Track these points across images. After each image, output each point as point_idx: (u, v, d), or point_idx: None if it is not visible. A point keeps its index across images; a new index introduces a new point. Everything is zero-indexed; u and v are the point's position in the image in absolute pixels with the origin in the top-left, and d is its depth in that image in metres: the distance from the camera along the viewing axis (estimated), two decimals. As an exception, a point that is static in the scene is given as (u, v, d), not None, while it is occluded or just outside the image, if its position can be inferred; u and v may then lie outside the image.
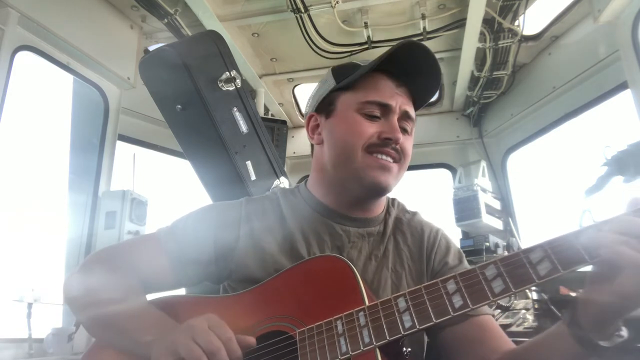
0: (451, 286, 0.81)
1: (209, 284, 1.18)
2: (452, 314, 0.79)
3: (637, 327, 1.44)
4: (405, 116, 1.11)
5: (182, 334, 0.85)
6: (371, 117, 1.09)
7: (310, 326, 0.89)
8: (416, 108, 1.16)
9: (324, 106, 1.17)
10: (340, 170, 1.11)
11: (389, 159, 1.07)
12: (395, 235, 1.17)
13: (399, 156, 1.09)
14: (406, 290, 0.86)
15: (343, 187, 1.11)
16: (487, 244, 2.78)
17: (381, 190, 1.09)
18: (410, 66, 1.09)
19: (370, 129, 1.07)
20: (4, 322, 2.16)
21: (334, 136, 1.12)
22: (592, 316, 0.77)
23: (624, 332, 0.78)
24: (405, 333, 0.81)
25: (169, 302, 1.08)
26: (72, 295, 1.08)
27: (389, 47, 1.06)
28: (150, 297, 1.11)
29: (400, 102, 1.10)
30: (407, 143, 1.11)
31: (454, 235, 3.28)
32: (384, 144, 1.06)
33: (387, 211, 1.20)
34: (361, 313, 0.86)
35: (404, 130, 1.11)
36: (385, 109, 1.09)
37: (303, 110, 3.23)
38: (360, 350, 0.82)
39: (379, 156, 1.07)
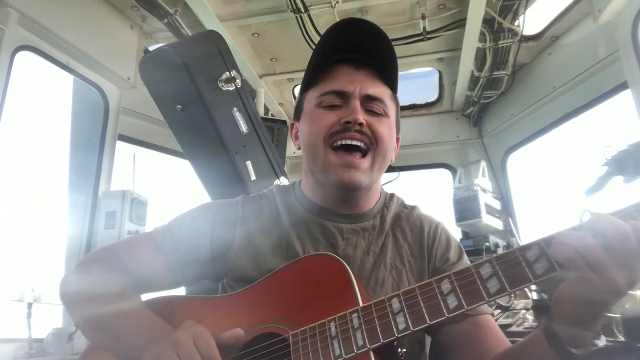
0: (446, 286, 0.79)
1: (208, 282, 1.18)
2: (446, 315, 0.77)
3: (637, 327, 1.44)
4: (369, 99, 1.06)
5: (168, 347, 0.85)
6: (332, 107, 1.06)
7: (303, 328, 0.88)
8: (393, 86, 1.12)
9: (297, 111, 1.18)
10: (314, 170, 1.10)
11: (354, 142, 1.02)
12: (394, 231, 1.15)
13: (367, 139, 1.03)
14: (407, 287, 0.85)
15: (322, 186, 1.10)
16: (487, 244, 2.78)
17: (351, 188, 1.05)
18: (357, 43, 1.06)
19: (330, 118, 1.04)
20: (4, 322, 2.16)
21: (303, 136, 1.13)
22: (563, 322, 0.76)
23: (601, 341, 0.76)
24: (399, 335, 0.79)
25: (164, 302, 1.08)
26: (67, 295, 1.07)
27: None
28: (146, 296, 1.11)
29: (359, 86, 1.05)
30: (379, 125, 1.05)
31: (453, 235, 3.28)
32: (345, 129, 1.02)
33: (385, 206, 1.18)
34: (354, 314, 0.84)
35: (372, 113, 1.06)
36: (344, 96, 1.06)
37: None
38: (354, 354, 0.81)
39: (342, 142, 1.02)
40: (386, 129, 1.07)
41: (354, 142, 1.03)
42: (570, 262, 0.69)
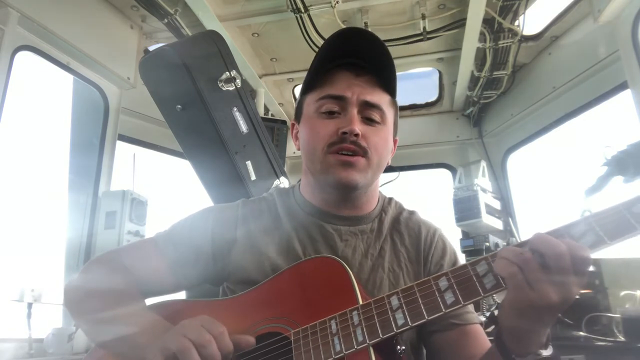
0: (443, 283, 0.82)
1: (209, 286, 1.19)
2: (443, 310, 0.79)
3: (637, 327, 1.45)
4: (367, 105, 1.07)
5: (175, 331, 0.86)
6: (330, 114, 1.07)
7: (304, 326, 0.90)
8: (392, 92, 1.13)
9: (298, 113, 1.20)
10: (313, 173, 1.11)
11: (348, 154, 1.04)
12: (393, 235, 1.16)
13: (361, 150, 1.04)
14: None
15: (321, 187, 1.12)
16: (487, 244, 2.78)
17: (348, 187, 1.06)
18: (356, 50, 1.08)
19: (329, 127, 1.06)
20: (4, 322, 2.16)
21: (302, 141, 1.14)
22: (508, 331, 0.79)
23: (547, 351, 0.79)
24: (398, 330, 0.82)
25: (167, 306, 1.09)
26: (71, 299, 1.09)
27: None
28: (149, 301, 1.11)
29: (358, 92, 1.06)
30: (374, 134, 1.06)
31: (454, 235, 3.30)
32: (342, 140, 1.03)
33: (383, 210, 1.19)
34: (355, 312, 0.86)
35: (370, 120, 1.07)
36: (342, 101, 1.06)
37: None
38: (354, 349, 0.83)
39: (340, 153, 1.04)
40: (381, 139, 1.09)
41: (348, 154, 1.05)
42: (510, 275, 0.74)
